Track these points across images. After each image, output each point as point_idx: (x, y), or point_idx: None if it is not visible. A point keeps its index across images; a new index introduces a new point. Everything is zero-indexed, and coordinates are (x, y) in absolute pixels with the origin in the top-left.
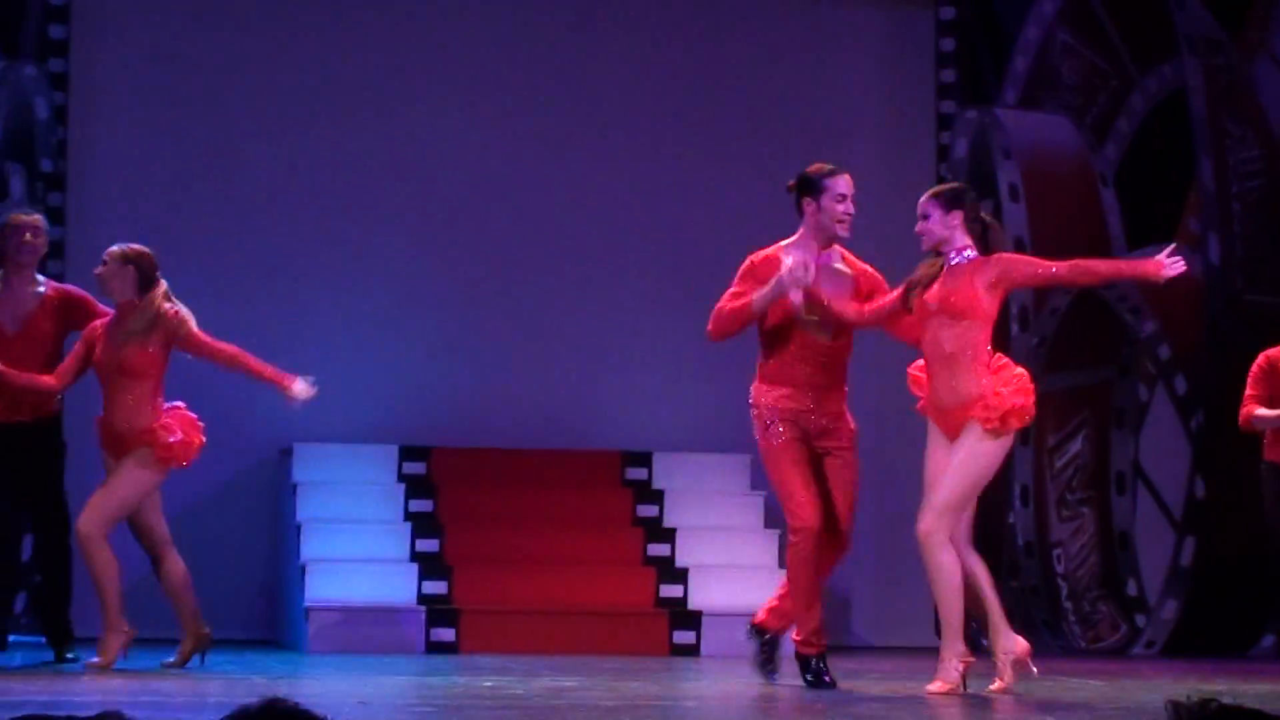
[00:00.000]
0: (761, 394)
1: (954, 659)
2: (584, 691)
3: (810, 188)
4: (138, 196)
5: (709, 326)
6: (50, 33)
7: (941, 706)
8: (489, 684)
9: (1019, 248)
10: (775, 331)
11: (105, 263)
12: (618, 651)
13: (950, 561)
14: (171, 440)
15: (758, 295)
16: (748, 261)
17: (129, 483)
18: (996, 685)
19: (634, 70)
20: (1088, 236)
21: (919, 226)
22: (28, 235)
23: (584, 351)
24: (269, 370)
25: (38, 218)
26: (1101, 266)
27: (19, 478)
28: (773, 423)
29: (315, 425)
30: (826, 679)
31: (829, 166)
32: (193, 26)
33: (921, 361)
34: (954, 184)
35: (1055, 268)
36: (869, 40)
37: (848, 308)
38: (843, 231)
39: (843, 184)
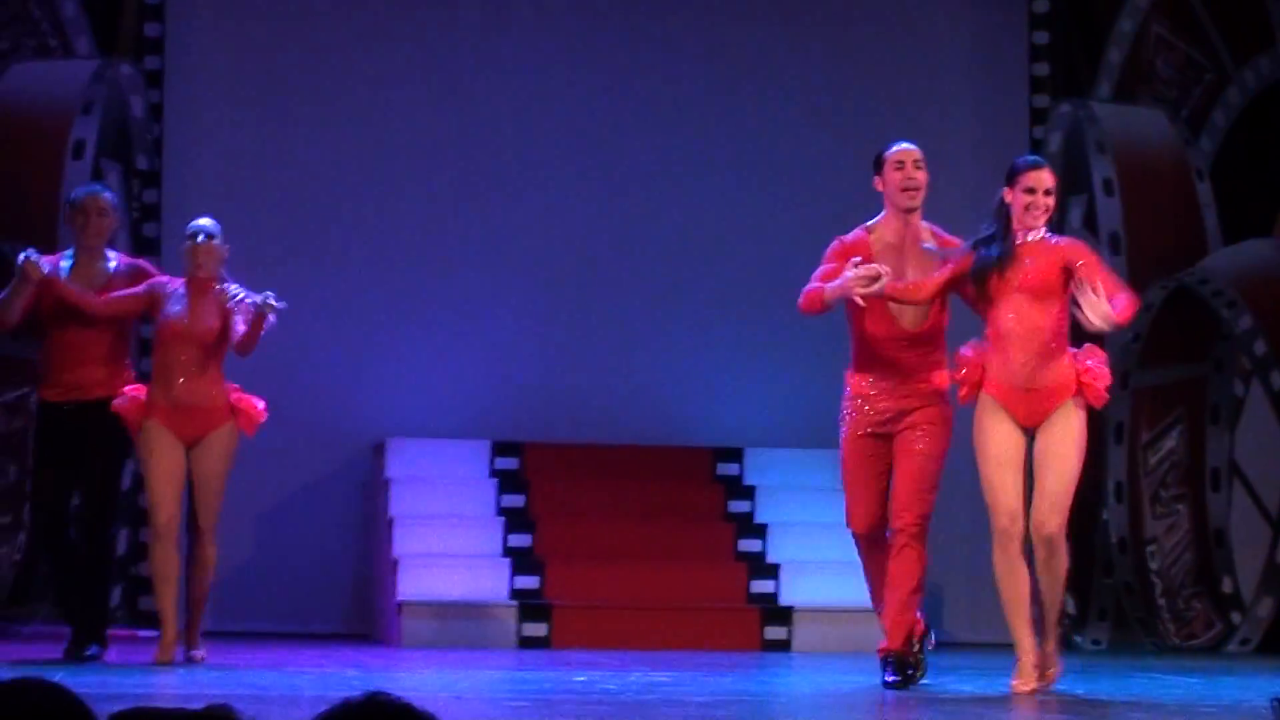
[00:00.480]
0: (848, 381)
1: (1054, 649)
2: (676, 687)
3: (875, 163)
4: (232, 193)
5: (800, 301)
6: (146, 31)
7: (1038, 704)
8: (581, 679)
9: (1114, 242)
10: (859, 320)
11: (213, 237)
12: (709, 647)
13: (1066, 559)
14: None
15: (829, 288)
16: (836, 242)
17: (228, 461)
18: (1029, 685)
19: (720, 65)
20: (1183, 231)
21: (1052, 199)
22: (93, 216)
23: (676, 347)
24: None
25: (101, 197)
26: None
27: (74, 460)
28: (850, 413)
29: (409, 420)
30: (890, 677)
31: (898, 144)
32: (285, 24)
33: (970, 344)
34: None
35: (1107, 285)
36: (962, 34)
37: (922, 289)
38: (907, 201)
39: (898, 152)
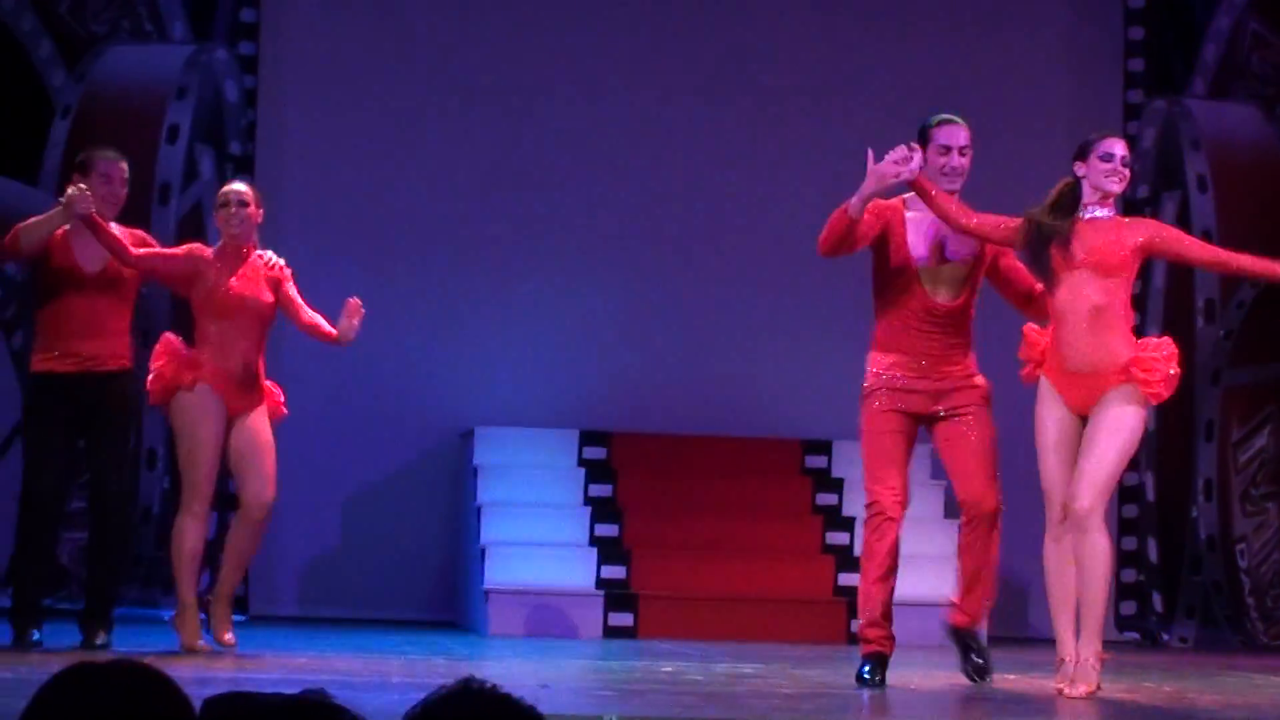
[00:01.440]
0: (871, 362)
1: (1094, 657)
2: (763, 679)
3: (920, 137)
4: (324, 178)
5: (820, 248)
6: (241, 16)
7: (1119, 703)
8: (668, 669)
9: (1206, 239)
10: (889, 293)
11: (249, 205)
12: (795, 639)
13: (1107, 546)
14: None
15: (855, 198)
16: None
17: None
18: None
19: (807, 57)
20: (1276, 227)
21: (1127, 170)
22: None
23: (766, 338)
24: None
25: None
26: (1239, 260)
27: (83, 437)
28: (874, 392)
29: (498, 409)
30: (865, 676)
31: (943, 115)
32: (379, 12)
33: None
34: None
35: (1199, 249)
36: (1057, 29)
37: (960, 212)
38: (947, 185)
39: (946, 134)
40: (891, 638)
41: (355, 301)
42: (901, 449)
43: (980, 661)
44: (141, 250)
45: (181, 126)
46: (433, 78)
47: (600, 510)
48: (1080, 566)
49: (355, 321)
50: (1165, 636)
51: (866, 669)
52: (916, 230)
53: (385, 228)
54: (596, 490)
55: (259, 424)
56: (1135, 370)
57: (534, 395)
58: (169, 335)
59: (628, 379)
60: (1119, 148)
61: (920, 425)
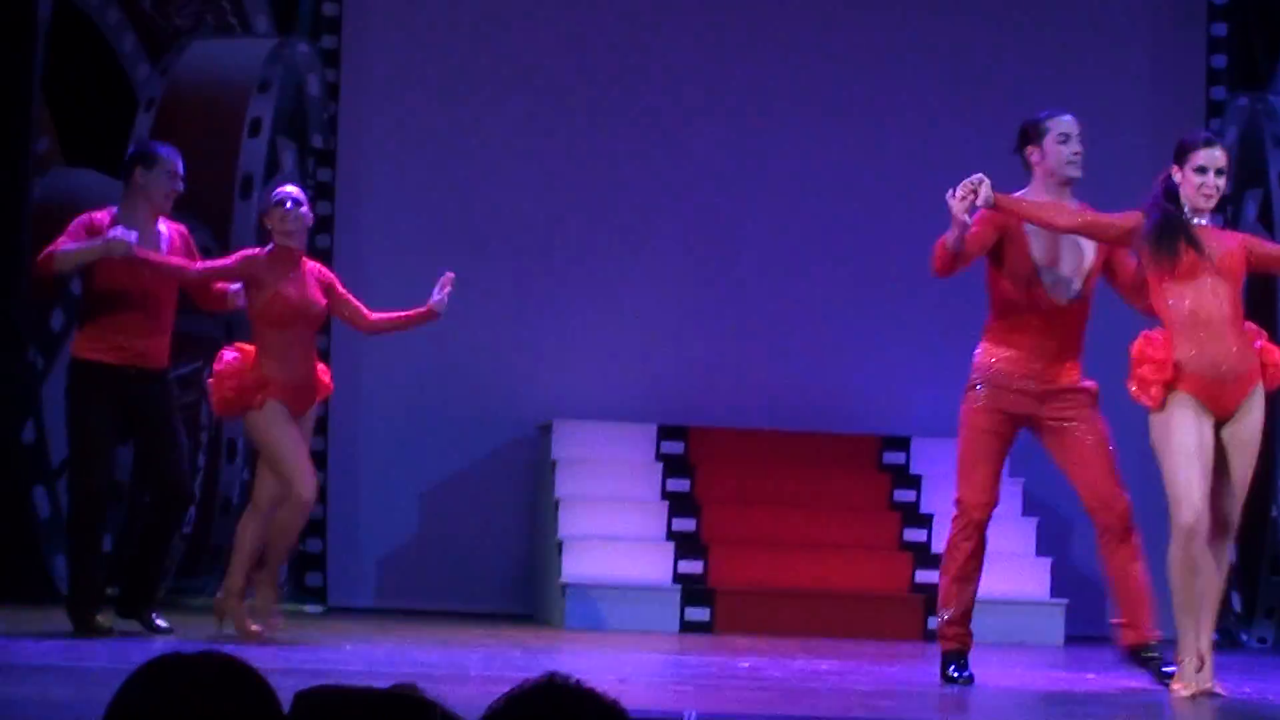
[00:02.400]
0: (982, 354)
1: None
2: (841, 675)
3: (1031, 134)
4: (404, 172)
5: (933, 268)
6: (324, 10)
7: (1206, 705)
8: (745, 664)
9: None
10: (1008, 290)
11: (301, 204)
12: (872, 635)
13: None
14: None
15: (950, 234)
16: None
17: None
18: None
19: (885, 52)
20: None
21: (1220, 184)
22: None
23: (843, 334)
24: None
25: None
26: None
27: (128, 430)
28: (979, 385)
29: (576, 402)
30: (953, 674)
31: (1047, 110)
32: (462, 4)
33: (1145, 336)
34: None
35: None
36: (1140, 25)
37: (1063, 213)
38: (1074, 172)
39: (1065, 124)
40: (970, 634)
41: (449, 275)
42: (996, 449)
43: (1168, 670)
44: (196, 267)
45: (264, 120)
46: (513, 72)
47: (677, 505)
48: (1222, 573)
49: (447, 292)
50: (1244, 637)
51: (953, 667)
52: (1033, 240)
53: (465, 221)
54: (674, 485)
55: (306, 425)
56: (1265, 361)
57: (612, 389)
58: (229, 352)
59: (706, 373)
60: (1215, 160)
61: (1021, 427)
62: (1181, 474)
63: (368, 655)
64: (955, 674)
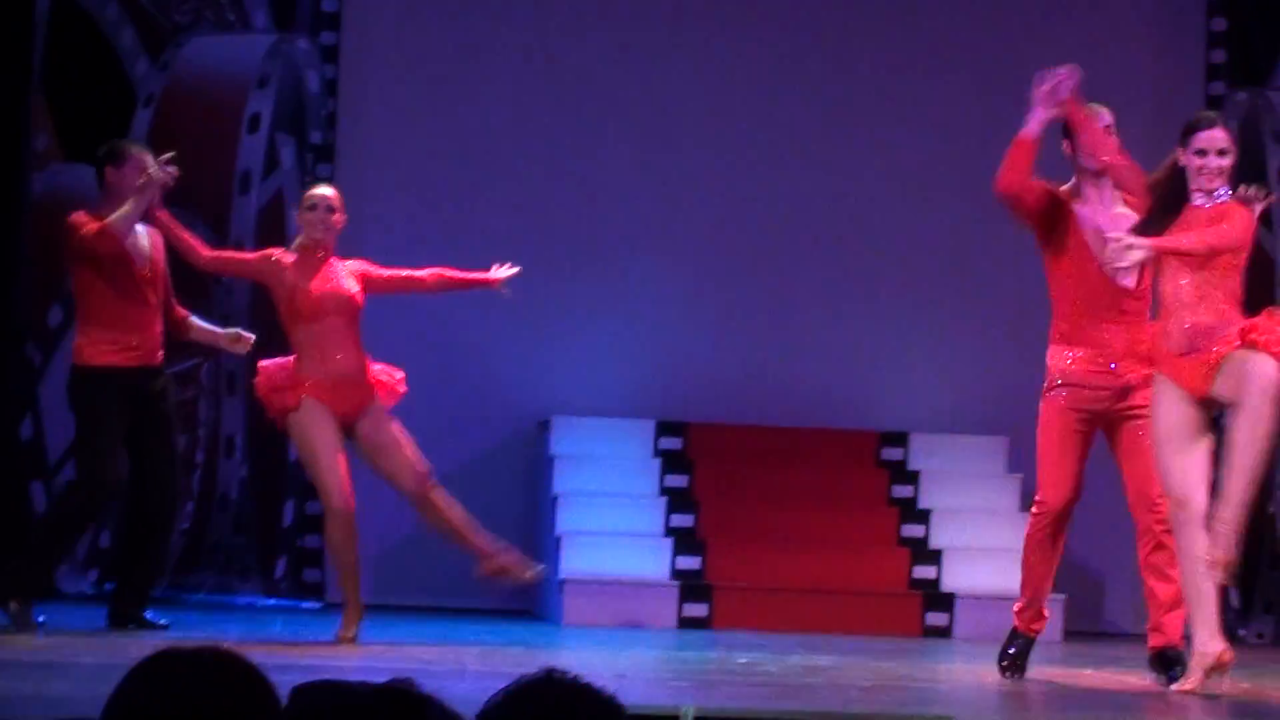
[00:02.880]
0: (1053, 357)
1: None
2: (839, 671)
3: (1069, 129)
4: (406, 169)
5: (996, 186)
6: (323, 6)
7: (1204, 699)
8: (743, 660)
9: None
10: (1069, 283)
11: (336, 211)
12: (870, 632)
13: None
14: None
15: (1031, 123)
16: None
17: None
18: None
19: (888, 48)
20: None
21: (1231, 160)
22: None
23: (842, 331)
24: None
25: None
26: None
27: (136, 429)
28: (1057, 386)
29: (574, 398)
30: (1018, 665)
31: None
32: (461, 2)
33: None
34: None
35: None
36: (1139, 18)
37: (1100, 137)
38: (1113, 159)
39: (1106, 114)
40: (1042, 620)
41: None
42: (1079, 450)
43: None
44: (214, 253)
45: (263, 116)
46: (514, 68)
47: (676, 500)
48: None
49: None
50: (1242, 632)
51: (1013, 648)
52: (1087, 221)
53: (464, 218)
54: (672, 480)
55: (379, 422)
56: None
57: (611, 385)
58: (263, 364)
59: (704, 369)
60: (1214, 142)
61: (1099, 425)
62: (1159, 462)
63: (365, 651)
64: (1020, 659)
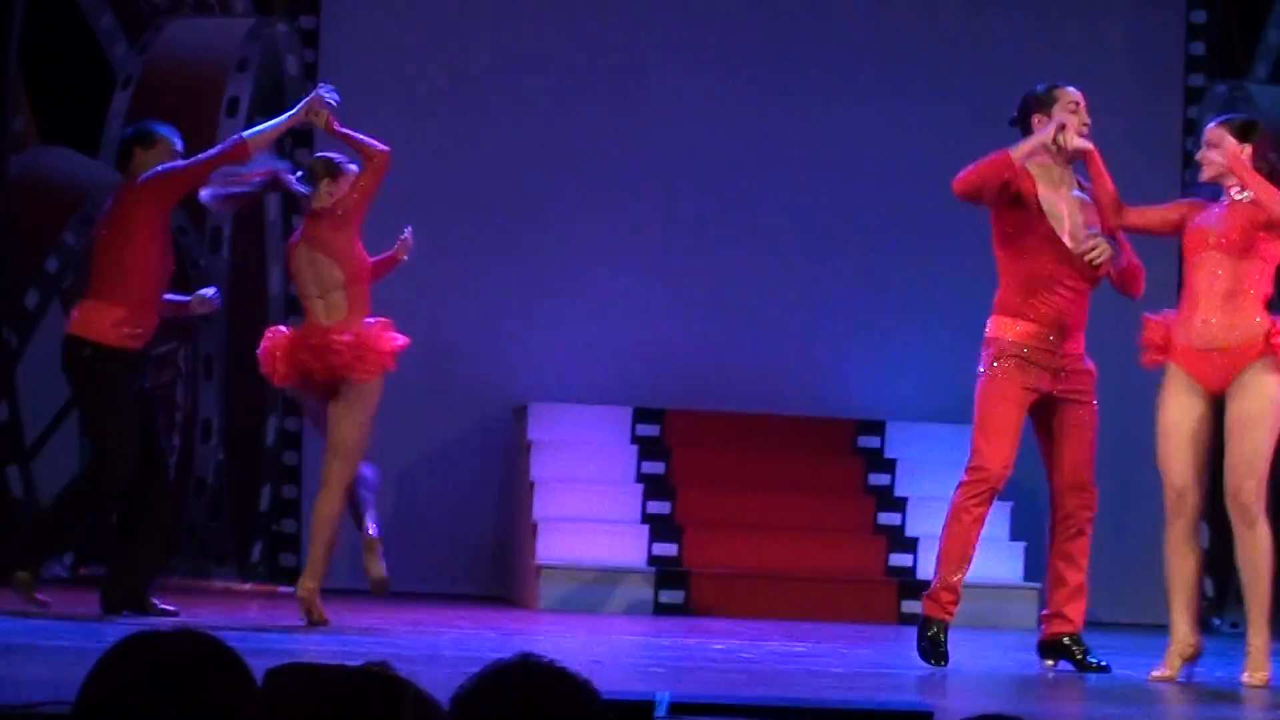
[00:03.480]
0: (1000, 327)
1: (1265, 645)
2: (815, 657)
3: (1040, 102)
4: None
5: (957, 187)
6: None
7: (1171, 687)
8: (719, 647)
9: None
10: (1023, 259)
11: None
12: (846, 618)
13: (1268, 535)
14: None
15: (1023, 145)
16: (1001, 153)
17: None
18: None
19: (861, 37)
20: None
21: (1200, 154)
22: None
23: (819, 318)
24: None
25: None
26: None
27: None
28: (1005, 358)
29: (551, 385)
30: (942, 650)
31: (1052, 83)
32: None
33: (1158, 313)
34: (1247, 116)
35: None
36: (1118, 12)
37: (1113, 192)
38: (1084, 142)
39: (1073, 93)
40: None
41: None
42: (1020, 424)
43: (1095, 660)
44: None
45: (241, 99)
46: (493, 55)
47: (653, 487)
48: (1248, 556)
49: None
50: (1216, 622)
51: (939, 633)
52: (1050, 205)
53: (441, 203)
54: (649, 467)
55: (341, 398)
56: (1267, 345)
57: (588, 371)
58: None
59: (682, 356)
60: (1206, 137)
61: (1034, 403)
62: (1160, 452)
63: (340, 636)
64: (941, 646)
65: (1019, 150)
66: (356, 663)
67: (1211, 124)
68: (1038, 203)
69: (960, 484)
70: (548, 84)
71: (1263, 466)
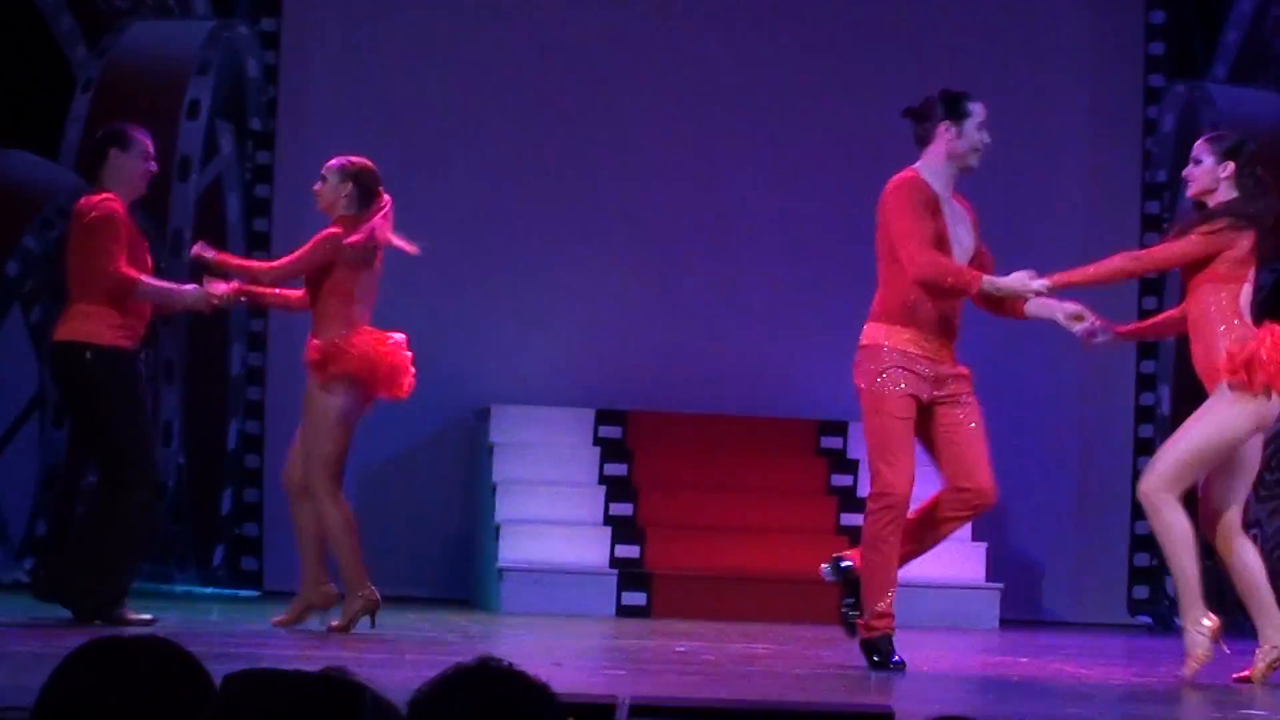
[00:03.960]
0: (880, 335)
1: (1193, 627)
2: (776, 659)
3: (954, 110)
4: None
5: (923, 273)
6: None
7: (1132, 687)
8: (681, 649)
9: None
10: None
11: (325, 179)
12: (808, 620)
13: (1177, 521)
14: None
15: (997, 281)
16: (902, 190)
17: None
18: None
19: (821, 40)
20: None
21: (1186, 171)
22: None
23: (781, 319)
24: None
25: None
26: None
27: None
28: (890, 370)
29: (514, 387)
30: (895, 660)
31: (965, 91)
32: None
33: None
34: (1233, 135)
35: None
36: (1077, 11)
37: (1110, 270)
38: (976, 161)
39: (983, 110)
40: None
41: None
42: (911, 436)
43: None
44: (291, 261)
45: (202, 102)
46: (455, 57)
47: (615, 489)
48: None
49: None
50: (1178, 622)
51: (889, 652)
52: (946, 206)
53: (403, 206)
54: (611, 469)
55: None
56: (1225, 366)
57: (550, 374)
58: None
59: (644, 358)
60: (1194, 150)
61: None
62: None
63: (301, 640)
64: (893, 662)
65: (991, 284)
66: (316, 667)
67: (1198, 141)
68: (942, 221)
69: (869, 512)
70: (514, 86)
71: (1168, 466)
